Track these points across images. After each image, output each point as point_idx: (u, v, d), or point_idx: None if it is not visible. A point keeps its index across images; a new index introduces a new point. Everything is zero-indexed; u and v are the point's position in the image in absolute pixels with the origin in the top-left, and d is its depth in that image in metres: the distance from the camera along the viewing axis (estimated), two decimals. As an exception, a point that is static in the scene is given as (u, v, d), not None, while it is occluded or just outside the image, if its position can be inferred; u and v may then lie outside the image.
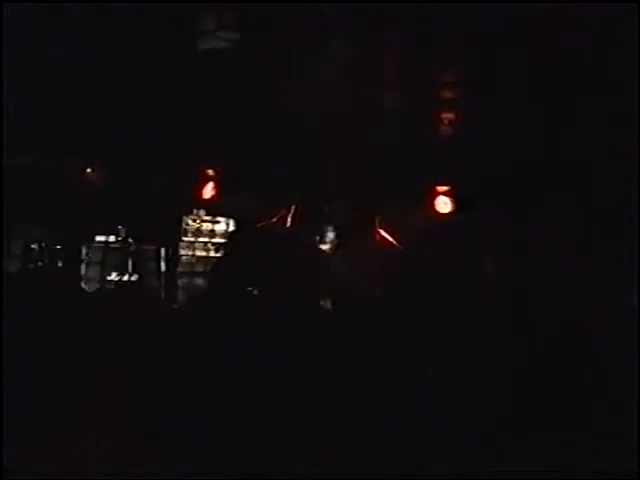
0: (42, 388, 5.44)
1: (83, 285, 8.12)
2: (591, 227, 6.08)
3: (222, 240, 8.46)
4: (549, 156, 6.14)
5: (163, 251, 8.37)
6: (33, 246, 7.94)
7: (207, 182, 8.04)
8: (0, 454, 4.40)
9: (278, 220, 7.92)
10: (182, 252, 8.48)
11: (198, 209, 8.60)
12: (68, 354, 5.93)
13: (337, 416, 5.39)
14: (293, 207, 7.93)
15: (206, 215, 8.64)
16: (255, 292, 6.51)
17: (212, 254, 8.48)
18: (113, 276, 8.27)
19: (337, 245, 7.52)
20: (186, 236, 8.54)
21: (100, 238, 8.37)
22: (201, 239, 8.57)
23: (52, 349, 5.88)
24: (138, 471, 4.52)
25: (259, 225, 7.87)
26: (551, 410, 5.51)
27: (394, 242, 7.63)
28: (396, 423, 5.42)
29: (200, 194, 8.07)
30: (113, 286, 8.22)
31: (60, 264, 8.12)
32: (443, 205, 7.44)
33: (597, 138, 5.81)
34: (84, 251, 8.30)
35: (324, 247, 7.55)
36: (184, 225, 8.56)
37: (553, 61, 5.18)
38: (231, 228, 8.62)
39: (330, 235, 7.52)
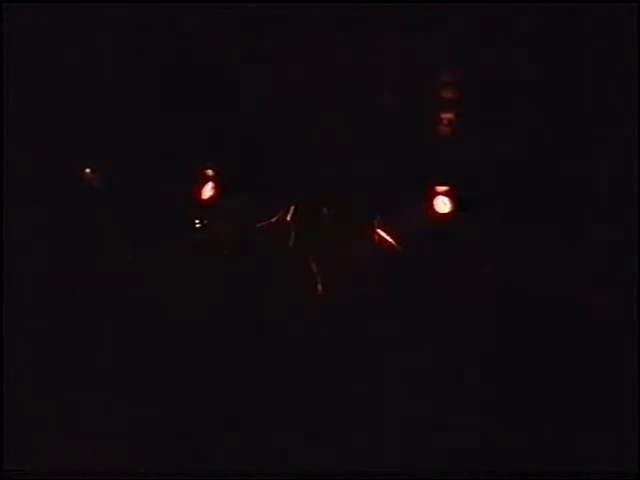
0: (43, 389, 5.43)
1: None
2: (592, 225, 6.09)
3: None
4: (549, 156, 6.15)
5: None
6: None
7: (206, 182, 8.02)
8: (0, 454, 4.40)
9: (277, 220, 7.91)
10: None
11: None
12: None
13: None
14: (292, 207, 7.91)
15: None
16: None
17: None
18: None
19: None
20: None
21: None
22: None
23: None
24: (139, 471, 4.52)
25: (258, 225, 7.87)
26: (551, 410, 5.51)
27: (392, 242, 7.62)
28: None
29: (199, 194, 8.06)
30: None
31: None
32: (442, 205, 7.42)
33: (597, 137, 5.81)
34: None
35: None
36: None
37: (553, 60, 5.19)
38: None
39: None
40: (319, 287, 7.35)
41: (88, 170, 7.88)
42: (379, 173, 7.01)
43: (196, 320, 6.47)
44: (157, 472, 4.64)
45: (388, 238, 7.62)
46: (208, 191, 8.04)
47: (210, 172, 7.87)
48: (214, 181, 7.95)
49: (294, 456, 5.08)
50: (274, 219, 7.82)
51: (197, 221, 8.32)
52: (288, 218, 7.76)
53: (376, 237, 7.65)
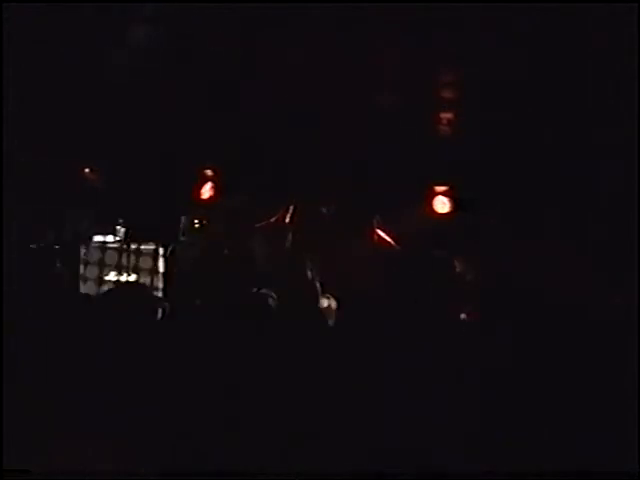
0: (43, 390, 5.42)
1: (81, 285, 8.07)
2: (592, 226, 6.10)
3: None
4: (549, 156, 6.16)
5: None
6: (32, 246, 7.89)
7: (205, 182, 8.03)
8: (0, 454, 4.39)
9: (276, 220, 7.92)
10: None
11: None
12: (69, 355, 5.91)
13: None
14: (292, 207, 7.93)
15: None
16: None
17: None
18: (111, 276, 8.22)
19: None
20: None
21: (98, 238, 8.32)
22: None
23: (52, 350, 5.87)
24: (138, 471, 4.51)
25: (257, 225, 7.88)
26: (551, 410, 5.51)
27: (392, 242, 7.63)
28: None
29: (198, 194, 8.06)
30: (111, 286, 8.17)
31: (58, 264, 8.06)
32: (442, 205, 7.44)
33: (597, 137, 5.82)
34: (82, 251, 8.25)
35: None
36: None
37: (553, 60, 5.19)
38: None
39: None
40: (318, 286, 7.36)
41: (88, 170, 7.91)
42: (379, 173, 7.02)
43: (196, 319, 6.47)
44: (157, 472, 4.62)
45: (388, 238, 7.63)
46: (208, 191, 8.06)
47: (210, 172, 7.90)
48: (214, 181, 7.97)
49: (294, 456, 5.06)
50: (273, 219, 7.84)
51: (197, 221, 8.34)
52: (287, 219, 7.78)
53: (376, 237, 7.66)
